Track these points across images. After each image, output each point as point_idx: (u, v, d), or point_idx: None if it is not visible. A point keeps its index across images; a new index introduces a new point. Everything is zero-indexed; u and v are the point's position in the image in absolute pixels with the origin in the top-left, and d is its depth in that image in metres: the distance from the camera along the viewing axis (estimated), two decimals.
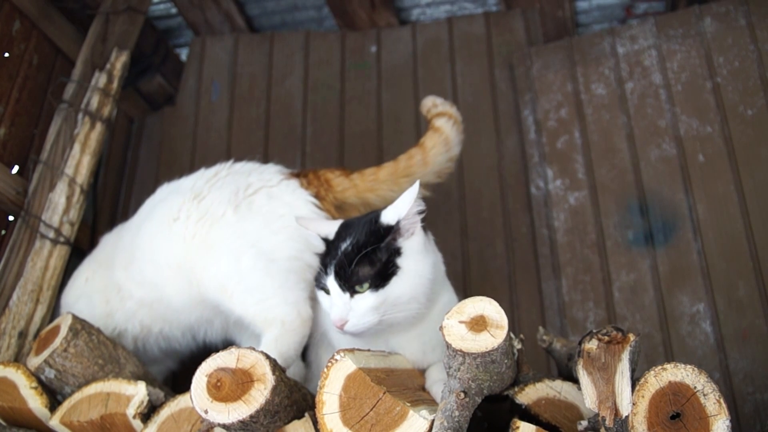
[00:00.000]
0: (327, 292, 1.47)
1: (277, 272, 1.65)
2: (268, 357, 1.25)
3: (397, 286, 1.41)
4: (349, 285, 1.41)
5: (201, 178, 1.87)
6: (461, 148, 1.93)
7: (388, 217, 1.45)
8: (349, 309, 1.40)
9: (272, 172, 1.84)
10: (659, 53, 2.46)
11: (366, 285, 1.40)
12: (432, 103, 1.96)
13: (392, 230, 1.43)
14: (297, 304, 1.63)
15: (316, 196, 1.78)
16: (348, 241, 1.45)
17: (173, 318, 1.82)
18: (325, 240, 1.53)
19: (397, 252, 1.43)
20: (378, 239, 1.43)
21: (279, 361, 1.30)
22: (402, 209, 1.44)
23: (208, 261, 1.68)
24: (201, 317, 1.80)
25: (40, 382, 1.62)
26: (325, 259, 1.49)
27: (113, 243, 1.97)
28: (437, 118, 1.90)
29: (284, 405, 1.25)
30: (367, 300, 1.40)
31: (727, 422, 1.08)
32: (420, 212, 1.46)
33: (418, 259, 1.44)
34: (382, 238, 1.43)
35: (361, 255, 1.40)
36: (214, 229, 1.70)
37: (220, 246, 1.68)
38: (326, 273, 1.45)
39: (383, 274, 1.40)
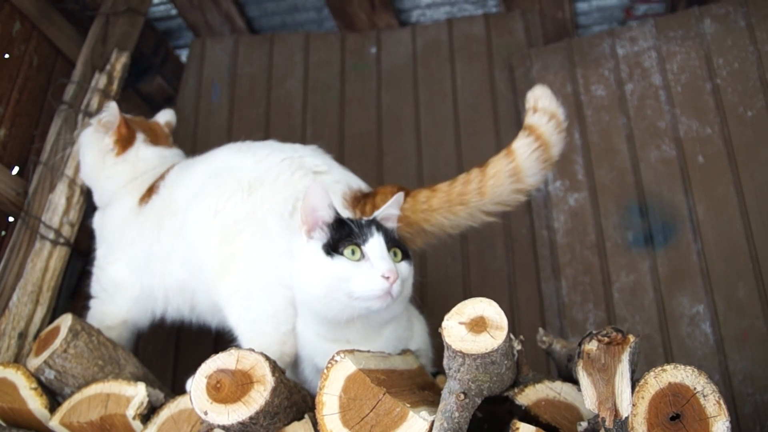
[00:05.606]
0: (353, 253, 1.36)
1: (281, 299, 1.58)
2: (267, 358, 1.25)
3: (411, 270, 1.44)
4: (392, 245, 1.41)
5: (265, 160, 1.72)
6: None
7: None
8: (395, 268, 1.35)
9: (337, 192, 1.67)
10: (659, 54, 2.46)
11: (400, 254, 1.42)
12: (533, 104, 1.56)
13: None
14: (284, 344, 1.57)
15: None
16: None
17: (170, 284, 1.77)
18: (336, 213, 1.45)
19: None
20: None
21: None
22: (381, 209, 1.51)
23: (229, 266, 1.61)
24: (185, 301, 1.77)
25: (39, 383, 1.62)
26: (354, 222, 1.41)
27: (176, 185, 1.84)
28: (522, 133, 1.56)
29: (284, 406, 1.25)
30: (407, 266, 1.42)
31: (727, 423, 1.08)
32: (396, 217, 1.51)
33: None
34: None
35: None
36: (249, 236, 1.61)
37: (244, 256, 1.60)
38: (368, 231, 1.38)
39: (408, 252, 1.45)
